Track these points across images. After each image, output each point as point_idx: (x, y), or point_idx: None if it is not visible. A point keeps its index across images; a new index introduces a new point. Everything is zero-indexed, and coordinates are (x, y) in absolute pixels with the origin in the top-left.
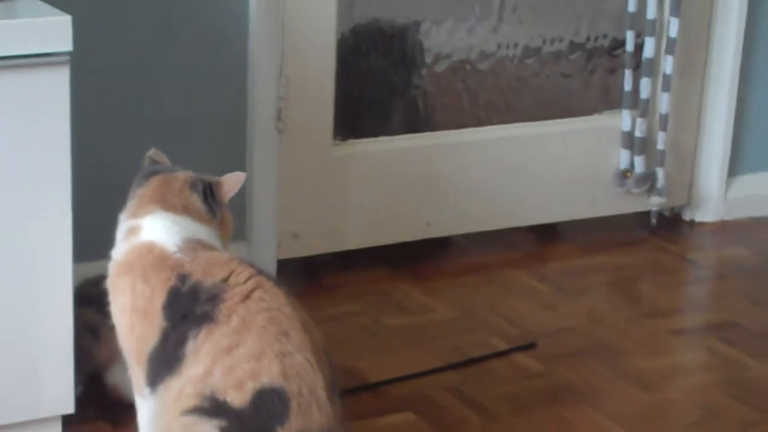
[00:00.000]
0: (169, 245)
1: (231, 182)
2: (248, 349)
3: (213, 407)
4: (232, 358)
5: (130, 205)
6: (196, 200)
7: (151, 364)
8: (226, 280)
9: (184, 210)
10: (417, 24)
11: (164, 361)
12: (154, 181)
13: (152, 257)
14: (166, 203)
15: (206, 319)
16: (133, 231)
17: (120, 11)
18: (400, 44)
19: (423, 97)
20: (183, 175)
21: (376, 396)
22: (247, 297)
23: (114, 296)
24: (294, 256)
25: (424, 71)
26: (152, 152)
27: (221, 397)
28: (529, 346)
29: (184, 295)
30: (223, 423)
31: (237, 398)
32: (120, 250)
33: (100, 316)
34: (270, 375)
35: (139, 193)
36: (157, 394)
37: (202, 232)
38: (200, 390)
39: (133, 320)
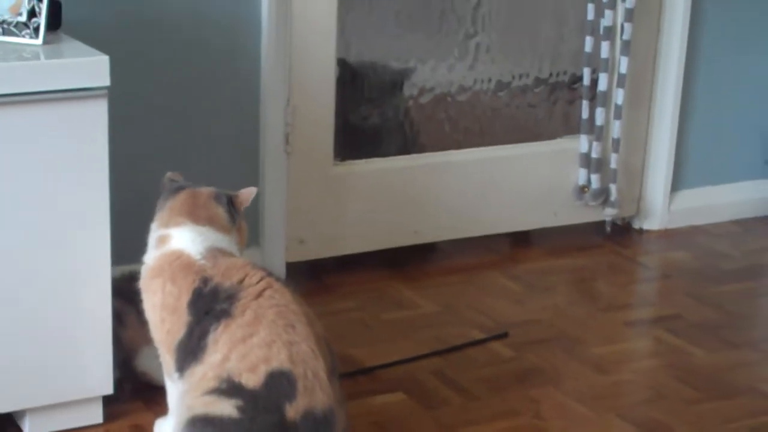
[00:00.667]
0: (195, 253)
1: (246, 195)
2: (260, 339)
3: (230, 388)
4: (246, 346)
5: (161, 216)
6: (221, 211)
7: (179, 353)
8: (241, 281)
9: (209, 221)
10: (405, 62)
11: (190, 351)
12: (182, 195)
13: (180, 263)
14: (193, 215)
15: (224, 314)
16: (163, 240)
17: (150, 53)
18: (391, 79)
19: (410, 125)
20: (207, 189)
21: (371, 379)
22: (259, 295)
23: (146, 295)
24: (300, 259)
25: (410, 102)
26: (170, 174)
27: (237, 380)
28: (502, 336)
29: (206, 295)
30: (239, 402)
31: (251, 380)
32: (152, 255)
33: (125, 305)
34: (279, 360)
35: (168, 206)
36: (184, 378)
37: (223, 241)
38: (219, 374)
39: (163, 316)
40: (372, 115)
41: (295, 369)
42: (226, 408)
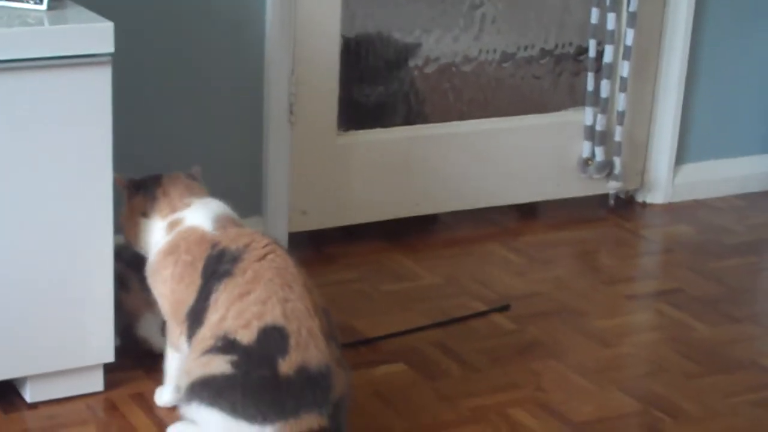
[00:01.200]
0: (208, 226)
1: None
2: (256, 296)
3: (225, 345)
4: (243, 303)
5: (158, 206)
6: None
7: (189, 320)
8: (247, 245)
9: (205, 194)
10: (410, 32)
11: (197, 315)
12: (168, 180)
13: (195, 236)
14: (193, 192)
15: (226, 274)
16: (175, 224)
17: (154, 22)
18: (395, 49)
19: (414, 95)
20: (174, 173)
21: (373, 350)
22: (261, 258)
23: (156, 277)
24: (303, 229)
25: (415, 72)
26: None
27: (232, 336)
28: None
29: (213, 258)
30: (234, 357)
31: (245, 336)
32: (162, 242)
33: (129, 270)
34: (273, 316)
35: (161, 194)
36: (190, 345)
37: (227, 209)
38: (216, 333)
39: (173, 286)
40: (376, 86)
41: (289, 325)
42: (221, 365)
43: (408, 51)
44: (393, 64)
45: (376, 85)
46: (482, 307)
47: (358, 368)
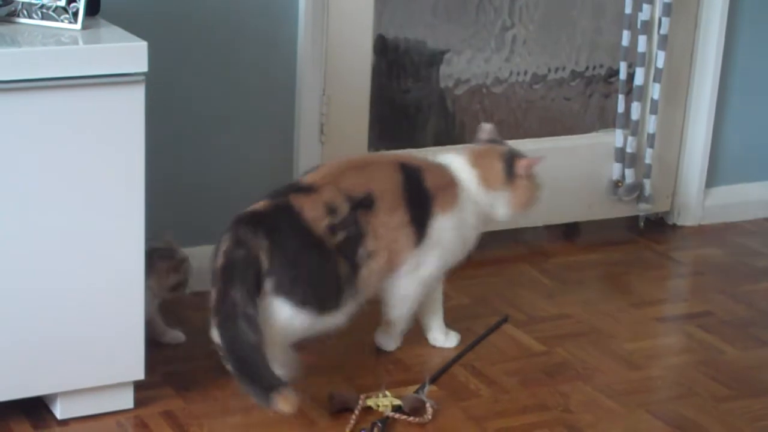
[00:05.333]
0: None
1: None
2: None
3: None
4: None
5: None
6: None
7: None
8: None
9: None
10: (441, 53)
11: None
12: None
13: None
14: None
15: None
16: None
17: (187, 41)
18: (427, 70)
19: (445, 116)
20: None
21: (403, 369)
22: None
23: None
24: None
25: (446, 93)
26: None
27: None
28: (502, 322)
29: None
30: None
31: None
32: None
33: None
34: None
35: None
36: None
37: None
38: None
39: None
40: (406, 106)
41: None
42: None
43: (436, 61)
44: (424, 82)
45: (407, 105)
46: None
47: (388, 388)
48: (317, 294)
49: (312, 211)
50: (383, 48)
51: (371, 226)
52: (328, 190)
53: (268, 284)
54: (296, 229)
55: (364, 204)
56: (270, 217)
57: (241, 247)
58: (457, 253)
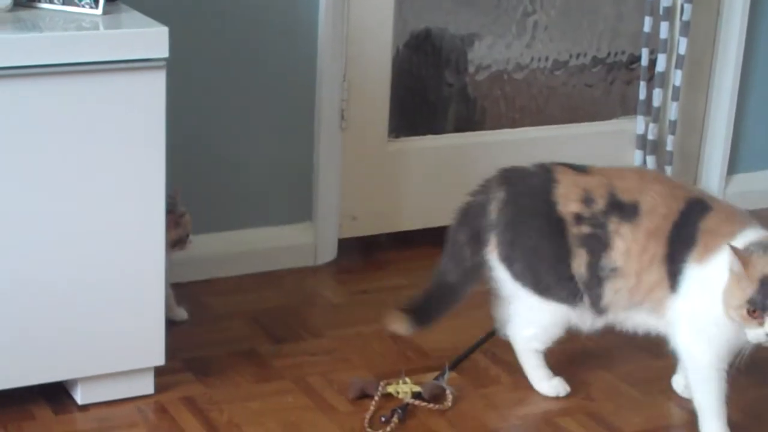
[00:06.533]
0: None
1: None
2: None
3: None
4: None
5: None
6: None
7: None
8: None
9: None
10: (462, 39)
11: None
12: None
13: None
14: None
15: None
16: None
17: (208, 26)
18: (447, 56)
19: (466, 102)
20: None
21: (422, 356)
22: None
23: None
24: (353, 235)
25: (467, 79)
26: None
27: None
28: (489, 336)
29: None
30: None
31: None
32: None
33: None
34: None
35: None
36: None
37: None
38: None
39: None
40: (427, 92)
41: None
42: None
43: (459, 51)
44: (445, 69)
45: (427, 92)
46: None
47: (408, 375)
48: (533, 268)
49: (566, 188)
50: (407, 35)
51: (621, 237)
52: (597, 179)
53: (492, 239)
54: (539, 195)
55: (624, 210)
56: (523, 174)
57: (481, 193)
58: None
